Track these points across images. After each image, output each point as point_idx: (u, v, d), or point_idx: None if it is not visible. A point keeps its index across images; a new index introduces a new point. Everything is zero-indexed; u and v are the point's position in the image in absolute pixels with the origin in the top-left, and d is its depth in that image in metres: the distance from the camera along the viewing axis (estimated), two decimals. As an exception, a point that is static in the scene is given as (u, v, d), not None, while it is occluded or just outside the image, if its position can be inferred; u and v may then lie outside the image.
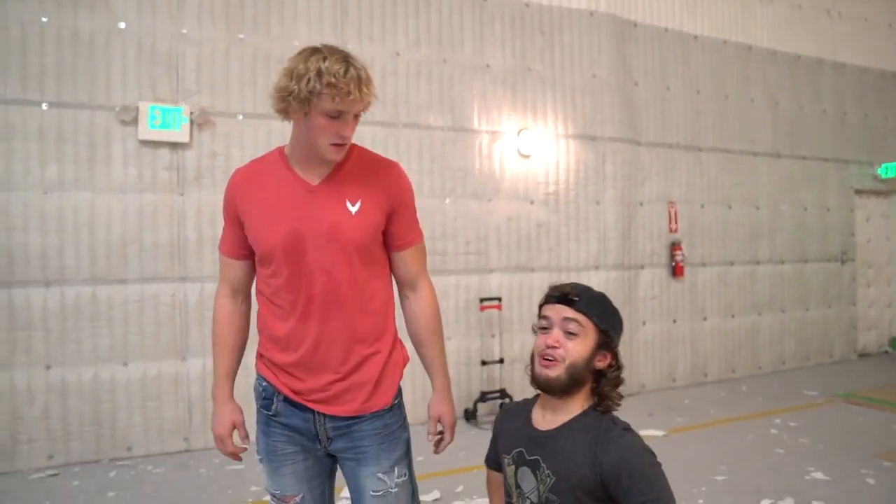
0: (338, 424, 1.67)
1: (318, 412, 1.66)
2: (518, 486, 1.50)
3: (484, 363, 5.43)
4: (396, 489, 1.72)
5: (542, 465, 1.44)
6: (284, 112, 1.59)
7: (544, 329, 1.50)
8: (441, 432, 1.83)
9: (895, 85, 8.38)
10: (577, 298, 1.47)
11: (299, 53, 1.56)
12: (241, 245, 1.73)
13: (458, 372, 5.43)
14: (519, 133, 5.68)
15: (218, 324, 1.79)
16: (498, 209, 5.62)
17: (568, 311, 1.47)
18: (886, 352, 8.34)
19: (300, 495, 1.72)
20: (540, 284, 5.76)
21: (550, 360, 1.45)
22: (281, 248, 1.61)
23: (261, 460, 1.77)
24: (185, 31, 4.64)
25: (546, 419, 1.50)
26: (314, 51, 1.54)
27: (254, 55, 4.83)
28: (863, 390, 6.18)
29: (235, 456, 1.77)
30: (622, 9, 6.23)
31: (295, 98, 1.51)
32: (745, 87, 7.11)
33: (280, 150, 1.72)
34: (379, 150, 5.65)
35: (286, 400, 1.69)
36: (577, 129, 5.95)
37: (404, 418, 1.82)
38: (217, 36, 4.74)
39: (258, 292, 1.75)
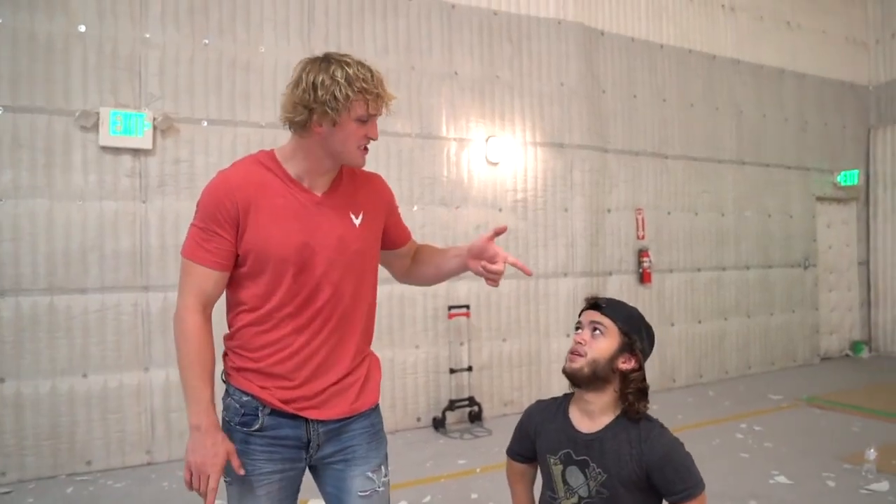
0: (329, 427, 1.67)
1: (310, 419, 1.64)
2: (566, 483, 1.70)
3: (452, 371, 5.41)
4: (382, 488, 1.75)
5: (592, 464, 1.64)
6: (301, 125, 1.57)
7: (577, 331, 1.73)
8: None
9: (852, 95, 8.62)
10: (604, 305, 1.71)
11: (309, 65, 1.56)
12: (230, 254, 1.60)
13: (427, 380, 5.40)
14: (487, 140, 5.69)
15: (192, 343, 1.58)
16: (466, 216, 5.61)
17: (595, 315, 1.70)
18: (847, 355, 8.54)
19: None
20: (508, 292, 5.77)
21: (576, 355, 1.67)
22: (292, 261, 1.59)
23: (229, 483, 1.65)
24: (148, 35, 4.56)
25: (586, 422, 1.70)
26: (327, 60, 1.55)
27: (219, 61, 4.77)
28: (825, 394, 6.31)
29: (213, 493, 1.53)
30: (590, 18, 6.30)
31: (327, 106, 1.51)
32: (710, 96, 7.24)
33: (271, 158, 1.65)
34: (345, 157, 5.50)
35: (273, 412, 1.63)
36: (545, 137, 5.99)
37: (382, 418, 1.85)
38: (181, 41, 4.66)
39: (238, 304, 1.66)
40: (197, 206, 1.62)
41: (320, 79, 1.51)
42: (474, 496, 3.83)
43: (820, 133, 8.25)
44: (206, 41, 4.73)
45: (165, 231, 4.57)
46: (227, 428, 1.66)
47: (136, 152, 4.51)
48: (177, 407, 4.55)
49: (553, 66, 6.05)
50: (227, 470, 1.63)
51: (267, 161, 1.65)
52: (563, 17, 6.07)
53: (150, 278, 4.52)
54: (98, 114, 4.36)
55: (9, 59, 4.19)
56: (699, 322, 7.05)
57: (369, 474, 1.71)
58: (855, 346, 8.54)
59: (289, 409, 1.62)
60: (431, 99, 5.51)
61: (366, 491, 1.70)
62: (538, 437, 1.79)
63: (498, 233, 1.72)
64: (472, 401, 5.41)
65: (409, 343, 5.34)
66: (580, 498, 1.67)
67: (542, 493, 1.79)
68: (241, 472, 1.58)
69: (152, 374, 4.51)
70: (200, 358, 1.58)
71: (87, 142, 4.38)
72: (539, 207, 5.94)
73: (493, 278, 1.72)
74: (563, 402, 1.80)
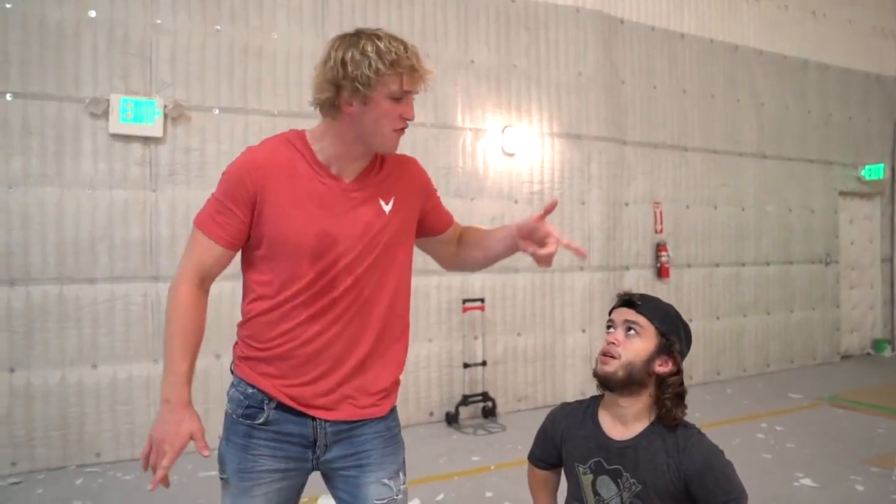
0: (339, 429, 1.56)
1: (316, 418, 1.54)
2: (597, 493, 1.59)
3: (466, 366, 5.31)
4: (400, 496, 1.62)
5: (625, 473, 1.53)
6: (330, 104, 1.48)
7: (609, 330, 1.60)
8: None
9: (878, 87, 8.39)
10: (639, 302, 1.58)
11: (339, 42, 1.46)
12: (240, 233, 1.52)
13: (440, 374, 5.31)
14: (503, 131, 5.57)
15: (180, 312, 1.48)
16: (481, 208, 5.50)
17: (629, 314, 1.57)
18: (869, 354, 8.35)
19: None
20: (523, 285, 5.66)
21: (609, 357, 1.54)
22: (310, 248, 1.50)
23: (226, 480, 1.56)
24: (159, 21, 4.48)
25: (619, 429, 1.58)
26: (357, 35, 1.45)
27: (231, 47, 4.68)
28: (847, 393, 6.16)
29: (166, 478, 1.41)
30: (609, 5, 6.15)
31: (357, 82, 1.41)
32: (732, 87, 7.06)
33: (301, 137, 1.56)
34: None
35: (279, 406, 1.53)
36: (562, 128, 5.86)
37: (399, 421, 1.72)
38: (193, 27, 4.57)
39: (252, 290, 1.57)
40: (220, 178, 1.54)
41: (350, 54, 1.41)
42: (489, 494, 3.74)
43: (844, 126, 8.04)
44: (218, 27, 4.64)
45: (176, 220, 4.50)
46: (229, 421, 1.57)
47: (146, 140, 4.43)
48: (187, 399, 4.49)
49: (571, 55, 5.91)
50: (223, 466, 1.56)
51: (296, 141, 1.55)
52: (581, 5, 5.93)
53: (160, 268, 4.45)
54: (108, 101, 4.30)
55: (19, 44, 4.13)
56: (717, 318, 6.90)
57: (386, 481, 1.59)
58: (877, 345, 8.35)
59: (296, 405, 1.52)
60: (447, 88, 5.39)
61: (383, 499, 1.58)
62: (564, 444, 1.67)
63: (548, 210, 1.57)
64: (485, 396, 5.31)
65: (422, 337, 5.24)
66: None
67: (568, 502, 1.68)
68: (206, 453, 1.42)
69: (162, 365, 4.44)
70: (185, 330, 1.48)
71: (98, 129, 4.31)
72: (556, 199, 5.81)
73: (545, 260, 1.57)
74: (590, 405, 1.68)
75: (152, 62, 4.46)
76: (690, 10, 6.79)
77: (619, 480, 1.55)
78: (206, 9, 4.61)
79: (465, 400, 5.20)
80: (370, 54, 1.40)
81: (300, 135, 1.57)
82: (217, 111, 4.64)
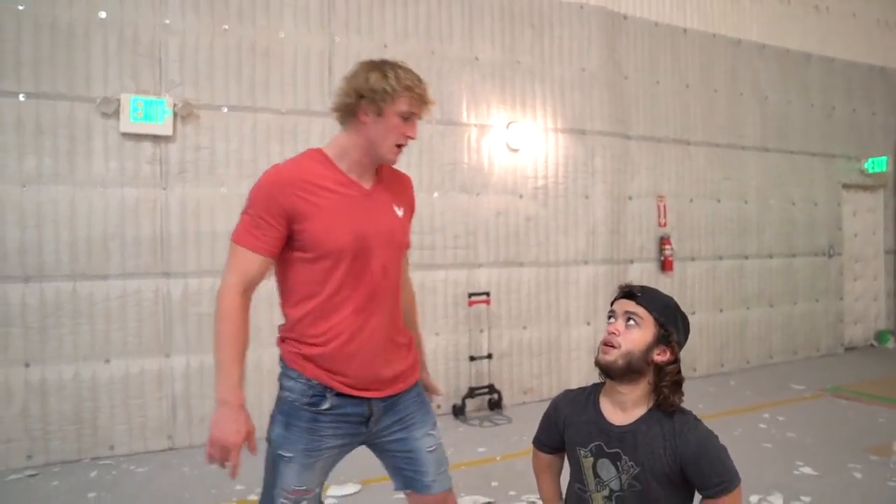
0: (386, 402, 1.86)
1: (372, 398, 1.82)
2: (597, 476, 1.66)
3: (472, 359, 5.39)
4: (441, 440, 1.99)
5: (624, 457, 1.60)
6: (350, 110, 1.76)
7: (609, 320, 1.67)
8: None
9: (882, 80, 8.40)
10: (639, 294, 1.63)
11: (368, 64, 1.78)
12: (278, 242, 1.72)
13: (447, 367, 5.39)
14: (508, 126, 5.63)
15: (231, 321, 1.67)
16: (486, 203, 5.57)
17: (630, 305, 1.63)
18: (872, 345, 8.39)
19: (316, 489, 1.83)
20: (528, 279, 5.72)
21: (609, 347, 1.61)
22: (349, 248, 1.74)
23: (289, 459, 1.76)
24: (167, 21, 4.54)
25: (618, 415, 1.65)
26: (383, 62, 1.78)
27: (238, 46, 4.74)
28: (850, 384, 6.21)
29: (235, 468, 1.63)
30: (612, 2, 6.19)
31: (376, 96, 1.71)
32: (734, 81, 7.09)
33: (320, 153, 1.81)
34: (366, 144, 5.42)
35: (339, 394, 1.77)
36: (566, 123, 5.91)
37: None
38: (201, 27, 4.64)
39: (296, 291, 1.78)
40: (248, 197, 1.73)
41: (374, 73, 1.73)
42: (494, 484, 3.82)
43: (847, 119, 8.06)
44: (226, 27, 4.71)
45: (186, 218, 4.58)
46: (291, 408, 1.78)
47: (156, 139, 4.51)
48: (197, 393, 4.58)
49: (575, 52, 5.95)
50: (286, 447, 1.76)
51: (316, 155, 1.80)
52: (585, 2, 5.97)
53: (171, 265, 4.53)
54: (119, 100, 4.37)
55: (31, 45, 4.20)
56: (721, 311, 6.96)
57: (431, 432, 1.95)
58: (880, 336, 8.39)
59: (354, 392, 1.78)
60: (452, 85, 5.45)
61: (433, 447, 1.93)
62: (567, 429, 1.74)
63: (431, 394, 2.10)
64: (491, 388, 5.39)
65: (429, 330, 5.32)
66: (611, 491, 1.63)
67: (570, 486, 1.75)
68: (255, 453, 1.72)
69: (173, 360, 4.54)
70: (235, 337, 1.67)
71: (109, 128, 4.39)
72: (560, 194, 5.88)
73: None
74: (592, 392, 1.75)
75: (161, 62, 4.53)
76: (693, 6, 6.82)
77: (618, 463, 1.62)
78: (213, 9, 4.67)
79: (472, 392, 5.28)
80: (390, 77, 1.72)
81: (319, 151, 1.82)
82: (226, 109, 4.71)
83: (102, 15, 4.37)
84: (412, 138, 1.81)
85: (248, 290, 1.71)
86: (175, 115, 4.53)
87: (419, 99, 1.77)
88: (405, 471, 1.91)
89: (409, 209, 1.99)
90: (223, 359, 1.65)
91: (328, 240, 1.71)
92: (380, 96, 1.71)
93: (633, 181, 6.32)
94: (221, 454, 1.61)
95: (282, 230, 1.70)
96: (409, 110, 1.76)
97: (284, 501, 1.77)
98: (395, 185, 1.93)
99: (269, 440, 1.81)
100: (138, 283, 4.46)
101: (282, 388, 1.81)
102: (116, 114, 4.37)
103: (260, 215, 1.68)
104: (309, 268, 1.74)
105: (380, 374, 1.82)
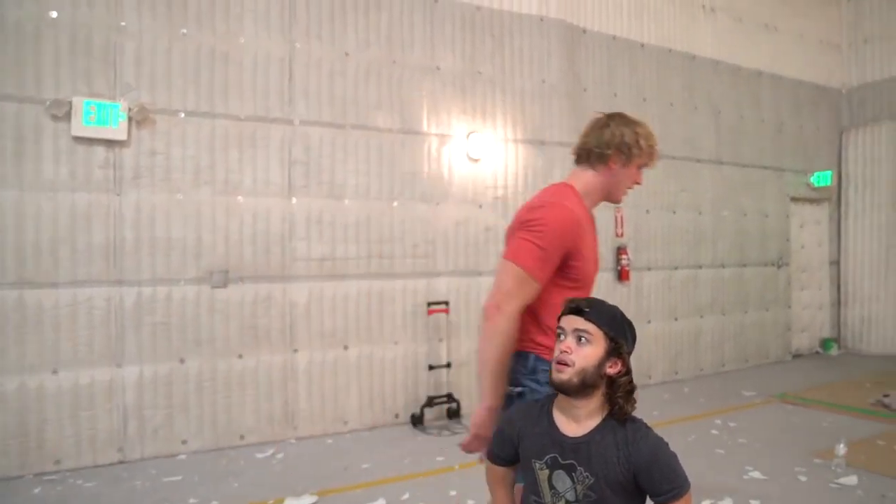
0: None
1: None
2: (553, 487, 1.68)
3: (431, 368, 5.39)
4: None
5: (579, 468, 1.63)
6: (601, 157, 2.07)
7: (560, 338, 1.68)
8: None
9: (827, 98, 8.77)
10: (587, 309, 1.64)
11: (618, 119, 2.10)
12: (552, 274, 1.96)
13: (405, 376, 5.38)
14: (468, 136, 5.67)
15: (507, 345, 1.93)
16: (446, 213, 5.59)
17: (579, 322, 1.64)
18: (818, 353, 8.70)
19: None
20: (488, 288, 5.72)
21: (563, 365, 1.62)
22: (595, 272, 2.09)
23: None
24: (123, 23, 4.45)
25: (572, 426, 1.68)
26: (629, 119, 2.11)
27: (197, 51, 4.67)
28: (797, 391, 6.42)
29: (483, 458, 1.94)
30: (572, 15, 6.31)
31: (629, 149, 2.05)
32: (690, 96, 7.30)
33: (575, 193, 2.07)
34: (326, 152, 5.49)
35: None
36: (525, 134, 5.99)
37: None
38: (158, 30, 4.56)
39: (556, 306, 1.92)
40: (538, 226, 1.92)
41: (629, 129, 2.07)
42: (452, 493, 3.82)
43: (795, 134, 8.38)
44: (185, 31, 4.63)
45: (140, 224, 4.48)
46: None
47: (110, 143, 4.40)
48: (150, 404, 4.47)
49: (535, 63, 6.04)
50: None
51: (577, 198, 2.06)
52: (545, 14, 6.07)
53: (125, 272, 4.42)
54: (70, 103, 4.25)
55: (-23, 44, 4.06)
56: (675, 319, 7.12)
57: None
58: (825, 344, 8.71)
59: None
60: (413, 94, 5.47)
61: None
62: (521, 441, 1.76)
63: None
64: (450, 397, 5.40)
65: (387, 339, 5.30)
66: (567, 502, 1.65)
67: (526, 497, 1.76)
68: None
69: (125, 370, 4.42)
70: (507, 358, 1.94)
71: (59, 132, 4.26)
72: (519, 204, 5.90)
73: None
74: (546, 404, 1.77)
75: (116, 65, 4.43)
76: (650, 21, 7.00)
77: (573, 474, 1.64)
78: (171, 12, 4.59)
79: (430, 401, 5.28)
80: (641, 136, 2.08)
81: (573, 188, 2.09)
82: (183, 115, 4.63)
83: (54, 14, 4.25)
84: (639, 185, 2.17)
85: (521, 312, 1.95)
86: (130, 119, 4.44)
87: (655, 156, 2.14)
88: None
89: None
90: (498, 372, 1.93)
91: (589, 272, 2.04)
92: (630, 151, 2.05)
93: (591, 192, 6.42)
94: (480, 447, 1.96)
95: (559, 264, 1.96)
96: (646, 163, 2.12)
97: None
98: None
99: None
100: (90, 290, 4.33)
101: (529, 386, 2.02)
102: (68, 117, 4.26)
103: (549, 250, 1.91)
104: (567, 292, 1.94)
105: None
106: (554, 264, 1.94)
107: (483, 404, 1.95)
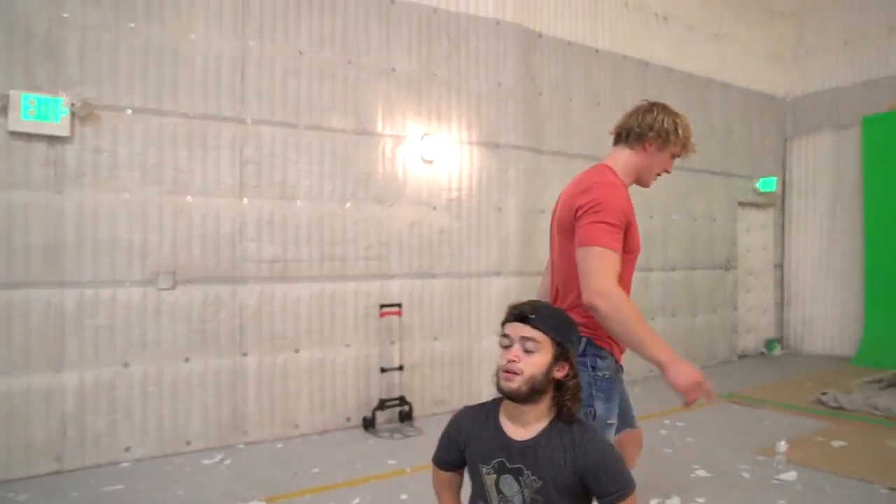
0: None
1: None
2: (500, 492, 1.68)
3: (383, 370, 5.36)
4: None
5: (526, 472, 1.63)
6: (640, 137, 2.23)
7: (505, 346, 1.67)
8: None
9: (772, 107, 9.08)
10: (533, 316, 1.64)
11: (662, 108, 2.26)
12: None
13: (357, 379, 5.34)
14: (423, 138, 5.66)
15: (632, 308, 1.98)
16: (400, 214, 5.57)
17: (525, 329, 1.64)
18: (762, 353, 8.99)
19: None
20: (441, 290, 5.76)
21: (511, 374, 1.62)
22: (639, 249, 2.24)
23: (612, 425, 2.17)
24: (66, 14, 4.29)
25: (520, 430, 1.68)
26: (671, 110, 2.27)
27: (146, 46, 4.54)
28: (743, 390, 6.61)
29: (712, 391, 1.97)
30: (528, 19, 6.36)
31: (666, 135, 2.21)
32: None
33: (614, 172, 2.22)
34: (279, 152, 5.41)
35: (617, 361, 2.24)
36: (480, 136, 6.01)
37: None
38: (104, 23, 4.41)
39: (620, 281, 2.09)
40: (599, 205, 2.04)
41: (670, 117, 2.24)
42: (404, 496, 3.80)
43: (743, 141, 8.64)
44: (132, 25, 4.50)
45: (83, 224, 4.32)
46: (609, 383, 2.15)
47: (51, 139, 4.24)
48: (92, 410, 4.32)
49: (491, 66, 6.07)
50: (612, 416, 2.17)
51: (614, 174, 2.21)
52: (501, 18, 6.11)
53: (65, 274, 4.26)
54: (8, 96, 4.08)
55: None
56: (627, 321, 7.23)
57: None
58: (769, 345, 9.00)
59: (620, 357, 2.25)
60: (368, 95, 5.43)
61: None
62: (468, 446, 1.75)
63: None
64: (402, 400, 5.38)
65: (339, 342, 5.25)
66: None
67: (473, 502, 1.76)
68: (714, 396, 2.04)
69: (65, 375, 4.26)
70: (641, 316, 1.99)
71: (-4, 126, 4.09)
72: (473, 207, 5.96)
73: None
74: (492, 408, 1.77)
75: (58, 58, 4.27)
76: (605, 28, 7.12)
77: (520, 478, 1.64)
78: (118, 5, 4.45)
79: (382, 404, 5.25)
80: (680, 126, 2.24)
81: (611, 169, 2.23)
82: (130, 111, 4.49)
83: (-9, 5, 4.08)
84: (668, 172, 2.32)
85: None
86: (73, 115, 4.28)
87: (690, 146, 2.29)
88: (623, 413, 2.32)
89: None
90: (646, 335, 1.96)
91: (638, 242, 2.19)
92: (669, 137, 2.22)
93: (544, 195, 6.49)
94: (700, 390, 1.93)
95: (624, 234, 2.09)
96: (679, 153, 2.27)
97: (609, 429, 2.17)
98: None
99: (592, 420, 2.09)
100: (27, 292, 4.16)
101: (595, 368, 2.12)
102: (5, 111, 4.08)
103: (618, 223, 2.04)
104: (627, 263, 2.13)
105: None
106: (622, 234, 2.06)
107: (667, 365, 1.93)
